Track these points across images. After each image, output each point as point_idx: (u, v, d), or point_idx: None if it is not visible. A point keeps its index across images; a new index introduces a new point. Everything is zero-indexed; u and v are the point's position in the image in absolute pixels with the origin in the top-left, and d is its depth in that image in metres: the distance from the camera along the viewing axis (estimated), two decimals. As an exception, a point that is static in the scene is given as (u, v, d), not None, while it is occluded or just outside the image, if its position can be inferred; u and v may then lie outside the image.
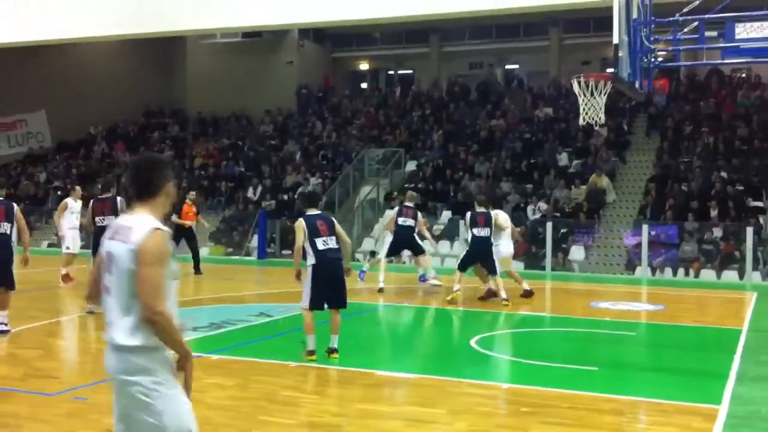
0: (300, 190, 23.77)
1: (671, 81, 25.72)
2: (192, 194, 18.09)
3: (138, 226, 3.51)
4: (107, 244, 3.59)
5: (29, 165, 30.76)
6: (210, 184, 26.75)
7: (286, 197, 24.40)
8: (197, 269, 16.91)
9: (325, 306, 8.24)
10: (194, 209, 17.47)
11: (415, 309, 13.10)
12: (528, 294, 13.22)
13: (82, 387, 7.08)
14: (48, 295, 13.49)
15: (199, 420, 6.13)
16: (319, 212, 8.50)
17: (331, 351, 8.27)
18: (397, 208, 15.19)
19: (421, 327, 11.90)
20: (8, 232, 9.48)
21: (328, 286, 8.18)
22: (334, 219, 8.57)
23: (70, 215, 14.61)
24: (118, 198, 11.36)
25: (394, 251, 15.09)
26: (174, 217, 17.08)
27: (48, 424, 6.05)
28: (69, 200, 15.05)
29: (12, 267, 9.40)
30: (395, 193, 22.20)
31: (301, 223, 8.22)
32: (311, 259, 8.11)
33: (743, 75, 25.98)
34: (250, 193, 25.50)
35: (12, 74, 28.06)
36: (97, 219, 11.03)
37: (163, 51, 32.24)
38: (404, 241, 14.57)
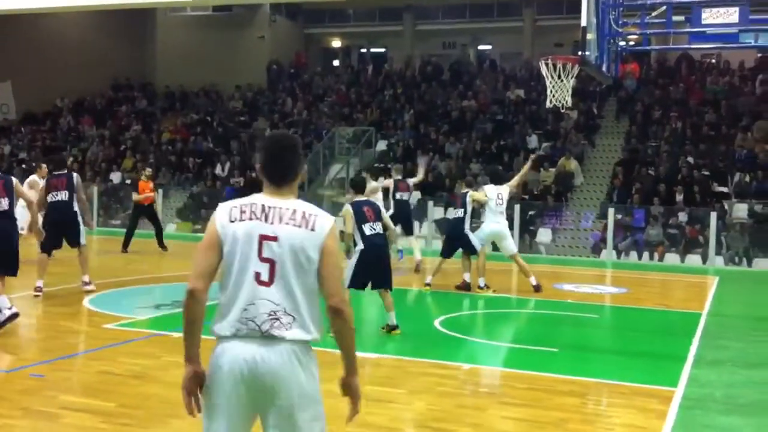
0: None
1: (642, 65, 25.85)
2: (147, 170, 17.87)
3: (320, 213, 3.24)
4: (263, 227, 3.19)
5: (-7, 136, 30.21)
6: (178, 160, 26.47)
7: (254, 174, 24.21)
8: (162, 245, 16.76)
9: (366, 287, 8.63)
10: (150, 185, 17.20)
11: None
12: (538, 289, 12.04)
13: (39, 364, 7.00)
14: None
15: (157, 398, 6.10)
16: (365, 198, 8.76)
17: (392, 328, 8.70)
18: (389, 181, 14.73)
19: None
20: (7, 208, 8.75)
21: (374, 270, 8.47)
22: (379, 205, 9.00)
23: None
24: (74, 174, 11.13)
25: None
26: (134, 195, 16.90)
27: (4, 400, 5.97)
28: (35, 177, 14.66)
29: (16, 249, 8.91)
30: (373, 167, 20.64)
31: (349, 210, 8.45)
32: (359, 245, 8.36)
33: (713, 61, 26.19)
34: (218, 169, 25.29)
35: (-24, 43, 27.47)
36: (50, 195, 10.76)
37: (133, 23, 31.72)
38: (401, 217, 13.93)
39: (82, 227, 10.85)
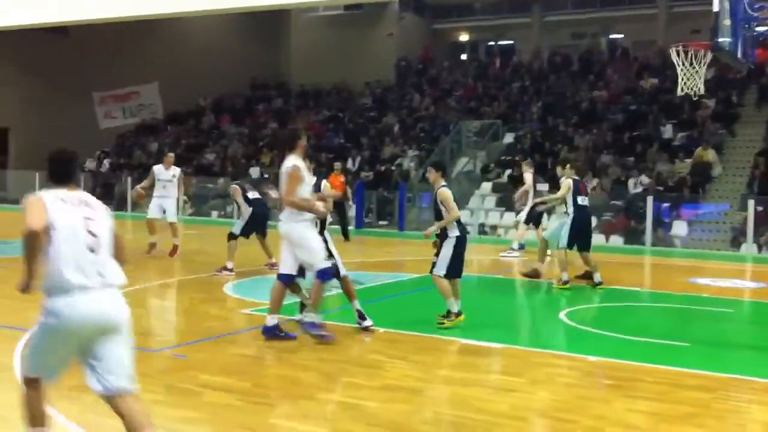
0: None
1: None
2: (338, 164, 18.55)
3: None
4: None
5: (141, 135, 32.21)
6: (311, 155, 27.25)
7: (383, 168, 24.66)
8: (346, 237, 17.64)
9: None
10: (341, 179, 17.69)
11: (508, 281, 13.10)
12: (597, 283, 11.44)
13: (182, 345, 7.53)
14: (155, 260, 14.11)
15: (289, 380, 6.47)
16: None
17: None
18: (570, 182, 11.47)
19: (511, 298, 11.91)
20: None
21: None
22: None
23: (157, 182, 14.34)
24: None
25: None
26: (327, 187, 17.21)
27: (150, 377, 6.48)
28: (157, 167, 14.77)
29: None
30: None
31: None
32: (454, 231, 8.40)
33: None
34: (349, 164, 25.91)
35: (127, 48, 29.37)
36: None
37: (269, 25, 32.98)
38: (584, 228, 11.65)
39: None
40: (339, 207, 17.52)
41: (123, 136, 32.44)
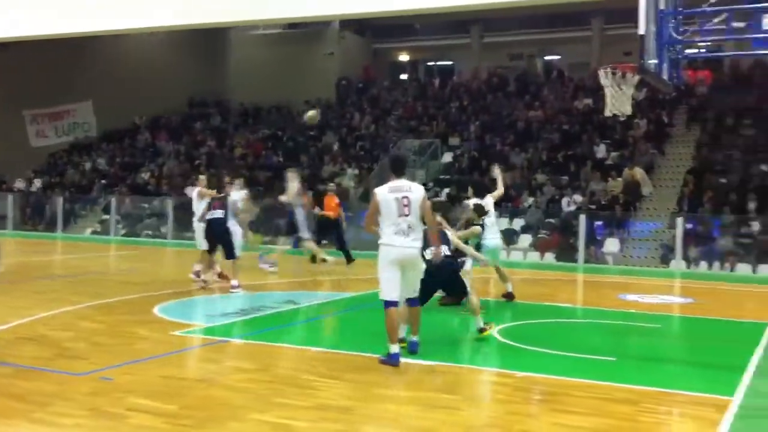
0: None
1: (714, 72, 25.32)
2: (331, 185, 17.94)
3: None
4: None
5: (75, 154, 31.53)
6: (250, 174, 27.10)
7: (323, 187, 24.61)
8: (348, 258, 16.43)
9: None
10: (336, 200, 16.83)
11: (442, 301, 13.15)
12: (510, 297, 12.01)
13: (109, 368, 7.36)
14: (85, 281, 13.88)
15: (217, 401, 6.38)
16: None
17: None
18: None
19: (446, 316, 11.96)
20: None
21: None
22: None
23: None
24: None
25: None
26: (318, 210, 16.78)
27: (74, 401, 6.31)
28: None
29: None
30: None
31: None
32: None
33: (788, 66, 25.43)
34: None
35: (61, 65, 28.79)
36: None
37: (208, 42, 32.74)
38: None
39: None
40: (336, 229, 16.72)
41: (55, 155, 31.70)
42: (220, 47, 34.27)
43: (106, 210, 26.48)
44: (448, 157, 25.35)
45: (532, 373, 7.56)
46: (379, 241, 7.75)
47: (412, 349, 7.99)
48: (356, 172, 25.18)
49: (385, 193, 7.78)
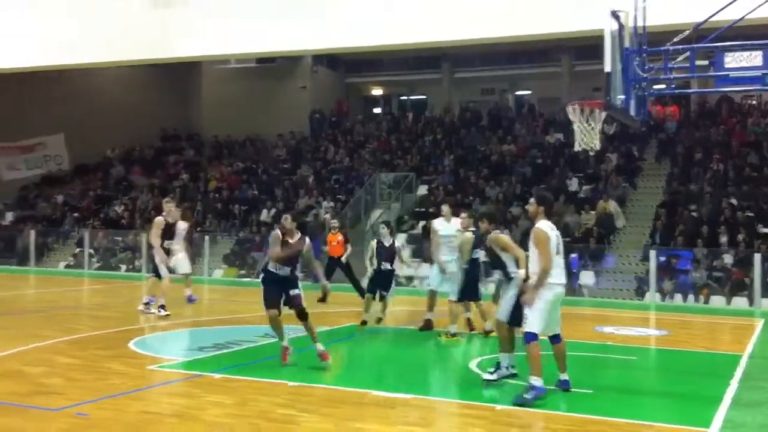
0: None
1: (682, 108, 25.83)
2: (334, 222, 16.97)
3: None
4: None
5: (47, 187, 31.24)
6: (224, 207, 27.06)
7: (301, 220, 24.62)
8: (360, 292, 15.32)
9: None
10: (339, 237, 16.19)
11: (422, 333, 13.16)
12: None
13: (85, 403, 7.27)
14: (59, 315, 13.72)
15: (193, 436, 6.30)
16: None
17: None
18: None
19: (422, 349, 11.97)
20: None
21: None
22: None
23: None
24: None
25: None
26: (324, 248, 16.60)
27: (48, 438, 6.23)
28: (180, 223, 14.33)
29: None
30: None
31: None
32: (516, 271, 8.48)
33: (753, 102, 26.03)
34: (263, 215, 25.77)
35: (32, 98, 28.61)
36: None
37: (180, 76, 32.74)
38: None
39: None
40: (339, 266, 16.14)
41: (26, 187, 31.38)
42: (192, 81, 34.28)
43: (79, 244, 26.21)
44: (423, 190, 25.51)
45: (510, 406, 7.60)
46: (549, 280, 7.80)
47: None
48: (331, 204, 25.23)
49: (550, 231, 7.93)
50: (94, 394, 7.63)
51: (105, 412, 6.98)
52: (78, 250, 26.22)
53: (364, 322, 12.37)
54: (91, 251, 25.76)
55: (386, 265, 12.39)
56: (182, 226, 14.36)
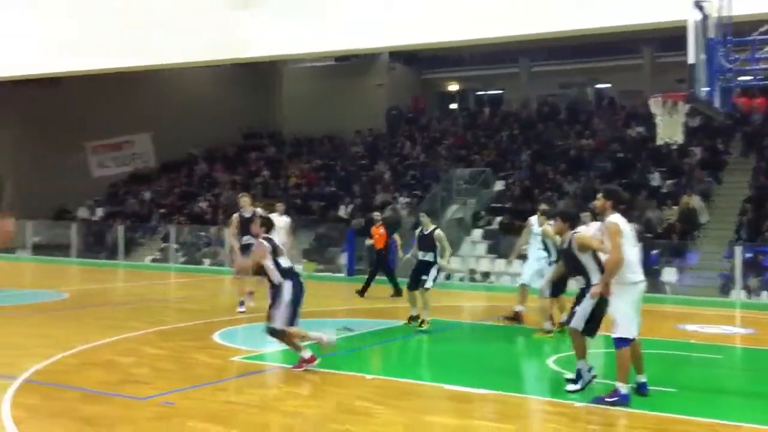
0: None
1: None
2: (377, 214, 17.58)
3: None
4: None
5: (134, 184, 32.36)
6: (303, 203, 27.48)
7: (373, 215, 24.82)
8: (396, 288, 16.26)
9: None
10: (381, 230, 16.65)
11: (497, 328, 13.13)
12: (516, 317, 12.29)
13: (171, 393, 7.54)
14: (147, 308, 14.21)
15: (274, 427, 6.49)
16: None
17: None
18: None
19: (499, 345, 11.93)
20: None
21: None
22: None
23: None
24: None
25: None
26: (367, 240, 17.03)
27: (136, 425, 6.50)
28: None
29: None
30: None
31: None
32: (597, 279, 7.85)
33: None
34: (341, 211, 26.06)
35: (121, 98, 29.65)
36: None
37: (260, 75, 33.39)
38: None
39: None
40: (380, 259, 16.66)
41: (115, 184, 32.59)
42: (272, 80, 34.95)
43: (165, 239, 27.07)
44: (499, 186, 25.34)
45: (589, 404, 7.52)
46: (632, 279, 7.57)
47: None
48: (408, 200, 25.33)
49: (623, 224, 7.50)
50: (179, 384, 7.90)
51: (190, 401, 7.23)
52: (164, 244, 27.07)
53: (411, 318, 12.16)
54: (177, 246, 26.56)
55: (423, 255, 11.96)
56: (281, 221, 13.98)
